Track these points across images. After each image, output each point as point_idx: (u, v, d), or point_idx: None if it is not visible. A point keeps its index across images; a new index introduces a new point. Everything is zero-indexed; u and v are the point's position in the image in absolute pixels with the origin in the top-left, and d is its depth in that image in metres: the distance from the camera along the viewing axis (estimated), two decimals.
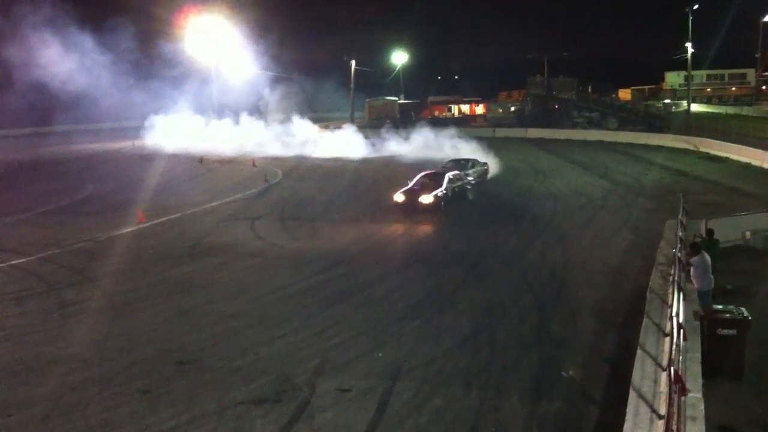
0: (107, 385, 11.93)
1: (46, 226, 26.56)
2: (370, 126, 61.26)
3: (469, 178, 31.82)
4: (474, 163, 34.92)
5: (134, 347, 13.73)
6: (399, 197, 27.32)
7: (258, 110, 62.13)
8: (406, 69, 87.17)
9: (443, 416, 10.56)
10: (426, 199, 26.80)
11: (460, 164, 33.92)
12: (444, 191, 27.68)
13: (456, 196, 28.69)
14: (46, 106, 51.80)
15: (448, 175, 28.97)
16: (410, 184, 28.35)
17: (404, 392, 11.33)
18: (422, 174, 29.60)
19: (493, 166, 37.64)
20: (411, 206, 26.83)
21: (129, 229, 25.32)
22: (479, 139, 43.53)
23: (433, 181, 28.53)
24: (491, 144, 41.29)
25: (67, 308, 16.42)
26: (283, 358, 13.01)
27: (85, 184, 37.08)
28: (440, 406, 10.88)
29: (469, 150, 41.38)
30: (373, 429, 10.10)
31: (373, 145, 49.81)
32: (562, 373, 10.17)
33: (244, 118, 60.27)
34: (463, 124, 64.11)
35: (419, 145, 47.25)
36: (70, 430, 10.30)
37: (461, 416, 10.56)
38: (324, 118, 63.70)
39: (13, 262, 20.88)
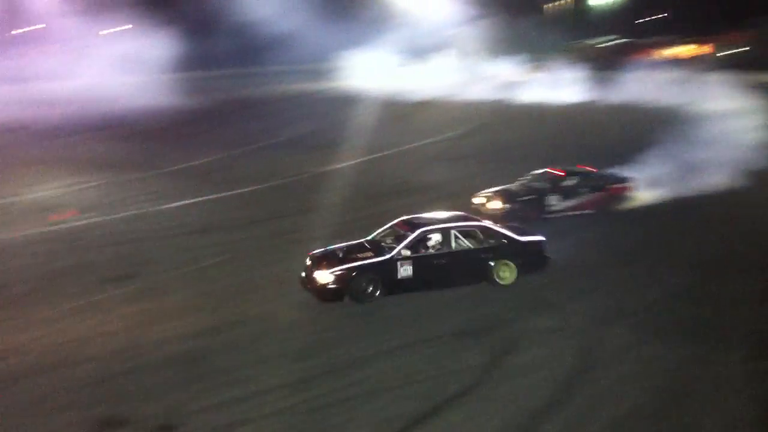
0: (327, 305, 12.62)
1: (265, 160, 28.50)
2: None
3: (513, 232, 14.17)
4: (581, 183, 18.76)
5: None
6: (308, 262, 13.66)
7: (458, 50, 61.57)
8: (618, 8, 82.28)
9: (658, 365, 10.20)
10: (322, 277, 12.90)
11: (539, 183, 18.97)
12: (362, 273, 12.92)
13: (435, 275, 13.36)
14: (252, 47, 54.37)
15: (422, 231, 13.57)
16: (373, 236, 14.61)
17: (617, 338, 11.07)
18: (404, 218, 14.59)
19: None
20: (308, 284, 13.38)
21: (340, 165, 26.41)
22: (704, 82, 39.84)
23: (400, 237, 13.83)
24: (709, 90, 37.68)
25: (285, 236, 17.52)
26: (493, 293, 13.11)
27: (296, 122, 38.92)
28: (655, 354, 10.50)
29: (693, 95, 38.04)
30: (587, 371, 9.99)
31: (583, 89, 47.89)
32: None
33: (445, 58, 60.02)
34: (683, 66, 59.93)
35: (634, 90, 44.56)
36: (286, 347, 11.09)
37: (678, 366, 10.16)
38: (528, 60, 61.86)
39: (240, 191, 22.87)
